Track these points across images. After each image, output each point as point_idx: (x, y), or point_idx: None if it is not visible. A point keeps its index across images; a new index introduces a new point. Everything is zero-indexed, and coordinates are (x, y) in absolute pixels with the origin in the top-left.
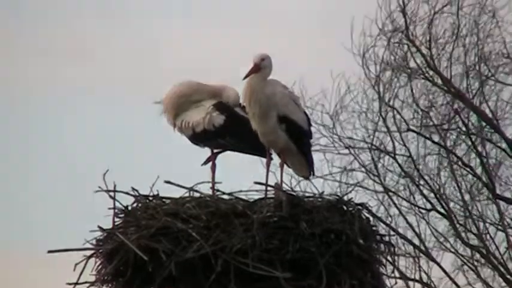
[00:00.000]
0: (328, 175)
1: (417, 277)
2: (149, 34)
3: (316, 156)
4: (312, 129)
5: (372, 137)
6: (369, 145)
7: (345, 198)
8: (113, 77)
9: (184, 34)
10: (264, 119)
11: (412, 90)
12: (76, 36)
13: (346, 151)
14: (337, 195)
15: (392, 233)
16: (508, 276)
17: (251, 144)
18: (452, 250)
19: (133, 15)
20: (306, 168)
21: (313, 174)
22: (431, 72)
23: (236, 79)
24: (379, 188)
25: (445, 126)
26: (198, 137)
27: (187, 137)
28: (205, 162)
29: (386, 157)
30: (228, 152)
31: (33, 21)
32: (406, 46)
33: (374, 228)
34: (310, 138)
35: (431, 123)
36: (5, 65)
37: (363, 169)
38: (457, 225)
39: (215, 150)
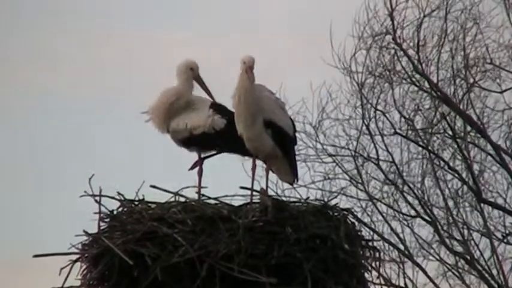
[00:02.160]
0: (311, 183)
1: (402, 283)
2: (139, 42)
3: (299, 165)
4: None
5: (355, 144)
6: (352, 152)
7: (330, 203)
8: (98, 83)
9: (169, 42)
10: (250, 123)
11: (393, 97)
12: (64, 43)
13: (330, 159)
14: (323, 200)
15: (377, 238)
16: (493, 283)
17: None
18: (437, 257)
19: (124, 24)
20: (291, 174)
21: (297, 181)
22: (417, 76)
23: (218, 86)
24: (363, 195)
25: (431, 131)
26: (194, 140)
27: (181, 140)
28: (192, 167)
29: (370, 164)
30: (214, 157)
31: (27, 24)
32: (392, 50)
33: (359, 233)
34: (295, 144)
35: (415, 128)
36: None
37: (346, 176)
38: (442, 232)
39: (202, 155)
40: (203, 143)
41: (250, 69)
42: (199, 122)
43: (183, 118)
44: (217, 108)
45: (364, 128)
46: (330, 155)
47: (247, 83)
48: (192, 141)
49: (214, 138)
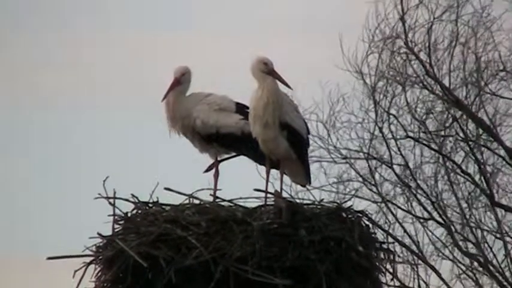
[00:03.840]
0: (325, 186)
1: (415, 285)
2: (147, 42)
3: (313, 166)
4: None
5: (368, 146)
6: (366, 155)
7: (344, 205)
8: (112, 85)
9: (181, 42)
10: (270, 125)
11: (406, 99)
12: (75, 46)
13: (343, 161)
14: (337, 202)
15: (391, 240)
16: (506, 285)
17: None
18: (451, 258)
19: (131, 23)
20: (304, 176)
21: (310, 183)
22: (429, 80)
23: (225, 88)
24: (376, 197)
25: (443, 134)
26: (218, 138)
27: (205, 135)
28: (208, 170)
29: (383, 166)
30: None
31: (33, 31)
32: (404, 54)
33: (373, 235)
34: (308, 146)
35: (428, 130)
36: (10, 72)
37: (359, 178)
38: (455, 234)
39: (219, 158)
40: (226, 142)
41: (275, 71)
42: (229, 122)
43: (212, 115)
44: (244, 111)
45: (377, 130)
46: (344, 157)
47: (275, 85)
48: (214, 138)
49: (237, 140)
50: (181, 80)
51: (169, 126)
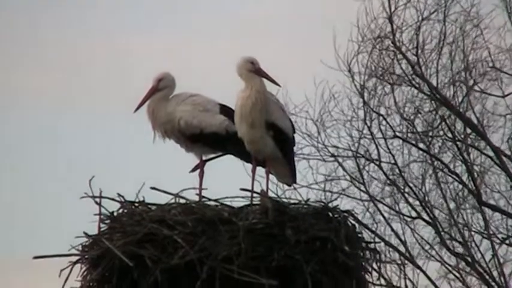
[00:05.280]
0: (312, 184)
1: (402, 285)
2: (133, 43)
3: (301, 165)
4: (297, 137)
5: (356, 144)
6: (354, 153)
7: (331, 205)
8: (98, 84)
9: (164, 44)
10: (257, 126)
11: (394, 99)
12: (62, 48)
13: (331, 159)
14: (323, 202)
15: (378, 240)
16: (493, 284)
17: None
18: (438, 258)
19: (117, 25)
20: (289, 176)
21: (296, 182)
22: (417, 79)
23: (213, 89)
24: (364, 196)
25: (431, 133)
26: (202, 137)
27: (189, 136)
28: (194, 169)
29: (371, 165)
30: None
31: (25, 32)
32: (392, 53)
33: (360, 235)
34: (294, 145)
35: (416, 130)
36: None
37: (347, 177)
38: (442, 233)
39: (204, 158)
40: (211, 142)
41: (262, 69)
42: (212, 121)
43: (196, 116)
44: (229, 112)
45: (366, 129)
46: (332, 155)
47: (263, 85)
48: (199, 138)
49: (222, 139)
50: (159, 86)
51: (153, 130)
